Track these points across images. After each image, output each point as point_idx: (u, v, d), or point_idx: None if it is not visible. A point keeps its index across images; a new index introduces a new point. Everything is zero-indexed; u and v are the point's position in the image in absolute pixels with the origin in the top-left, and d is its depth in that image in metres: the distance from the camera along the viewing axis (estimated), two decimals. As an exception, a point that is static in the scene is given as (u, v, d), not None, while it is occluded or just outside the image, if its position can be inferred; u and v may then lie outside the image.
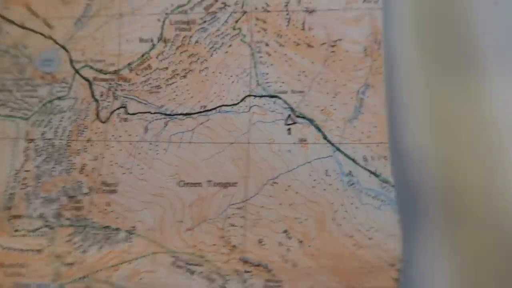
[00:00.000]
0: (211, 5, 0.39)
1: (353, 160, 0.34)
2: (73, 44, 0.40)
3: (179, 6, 0.39)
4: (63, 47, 0.40)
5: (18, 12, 0.41)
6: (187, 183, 0.35)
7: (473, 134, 0.35)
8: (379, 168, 0.34)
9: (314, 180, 0.34)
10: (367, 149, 0.34)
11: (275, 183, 0.34)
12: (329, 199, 0.33)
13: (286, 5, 0.38)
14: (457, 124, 0.35)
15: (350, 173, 0.34)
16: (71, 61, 0.40)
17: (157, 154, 0.36)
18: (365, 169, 0.34)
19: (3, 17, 0.41)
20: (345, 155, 0.35)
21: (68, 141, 0.37)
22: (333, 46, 0.37)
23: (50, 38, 0.41)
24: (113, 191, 0.35)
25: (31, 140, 0.38)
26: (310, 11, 0.38)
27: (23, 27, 0.41)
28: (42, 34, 0.41)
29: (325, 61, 0.37)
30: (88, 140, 0.37)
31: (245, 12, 0.38)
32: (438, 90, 0.36)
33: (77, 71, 0.40)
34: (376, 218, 0.32)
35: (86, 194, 0.36)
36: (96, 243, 0.35)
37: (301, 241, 0.33)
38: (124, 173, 0.36)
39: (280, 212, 0.33)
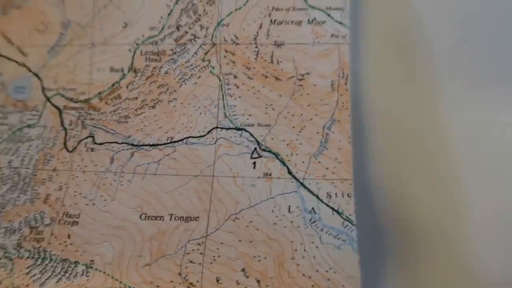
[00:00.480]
0: (181, 36, 0.35)
1: (317, 197, 0.30)
2: (46, 72, 0.36)
3: (150, 37, 0.35)
4: (36, 75, 0.36)
5: None
6: (149, 216, 0.31)
7: (438, 171, 0.30)
8: (342, 206, 0.29)
9: (276, 216, 0.29)
10: (331, 185, 0.30)
11: (237, 218, 0.30)
12: (289, 237, 0.29)
13: (255, 38, 0.34)
14: (423, 163, 0.30)
15: (312, 210, 0.29)
16: (43, 88, 0.36)
17: (121, 185, 0.32)
18: (328, 206, 0.29)
19: None
20: (309, 191, 0.30)
21: (34, 170, 0.33)
22: (301, 79, 0.33)
23: (24, 65, 0.36)
24: (75, 223, 0.31)
25: None
26: (279, 45, 0.34)
27: None
28: (16, 62, 0.36)
29: (292, 94, 0.33)
30: (54, 170, 0.33)
31: (214, 44, 0.34)
32: (405, 126, 0.31)
33: (48, 99, 0.35)
34: (336, 258, 0.28)
35: (47, 225, 0.31)
36: (54, 276, 0.31)
37: (258, 280, 0.28)
38: (87, 204, 0.31)
39: (239, 249, 0.29)
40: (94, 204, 0.32)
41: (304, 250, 0.29)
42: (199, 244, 0.30)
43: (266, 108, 0.33)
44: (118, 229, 0.31)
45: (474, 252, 0.29)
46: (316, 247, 0.29)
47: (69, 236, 0.31)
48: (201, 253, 0.30)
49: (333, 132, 0.32)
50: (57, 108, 0.36)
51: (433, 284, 0.29)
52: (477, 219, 0.30)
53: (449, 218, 0.30)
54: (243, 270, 0.29)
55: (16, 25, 0.38)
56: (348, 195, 0.30)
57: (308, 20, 0.34)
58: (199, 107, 0.34)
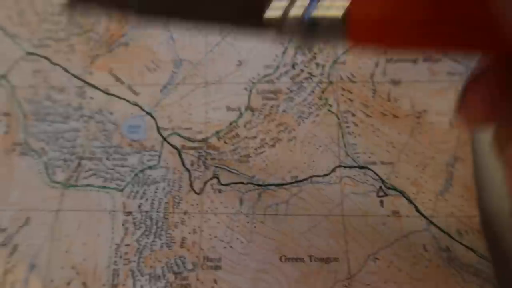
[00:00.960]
0: (297, 75, 0.29)
1: (448, 235, 0.25)
2: (160, 111, 0.30)
3: (265, 76, 0.29)
4: (149, 114, 0.30)
5: (102, 78, 0.30)
6: (289, 258, 0.26)
7: None
8: (475, 243, 0.25)
9: (414, 256, 0.25)
10: (460, 222, 0.26)
11: (376, 258, 0.25)
12: (433, 277, 0.25)
13: (372, 76, 0.28)
14: None
15: (447, 249, 0.25)
16: (158, 128, 0.29)
17: (255, 227, 0.27)
18: (462, 244, 0.25)
19: (86, 82, 0.30)
20: (440, 228, 0.26)
21: (165, 214, 0.27)
22: (418, 117, 0.28)
23: (136, 104, 0.30)
24: (218, 267, 0.26)
25: (129, 213, 0.28)
26: (396, 83, 0.28)
27: (107, 93, 0.30)
28: (127, 100, 0.30)
29: (411, 132, 0.27)
30: (185, 213, 0.27)
31: (331, 83, 0.28)
32: None
33: (165, 139, 0.29)
34: None
35: (191, 270, 0.26)
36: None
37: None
38: (225, 248, 0.27)
39: None
40: (231, 247, 0.27)
41: None
42: (345, 286, 0.26)
43: (387, 146, 0.28)
44: (261, 272, 0.27)
45: None
46: (461, 287, 0.25)
47: (215, 281, 0.27)
48: None
49: (456, 169, 0.27)
50: (175, 148, 0.30)
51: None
52: None
53: None
54: (393, 312, 0.25)
55: (124, 63, 0.31)
56: (478, 232, 0.26)
57: (424, 58, 0.29)
58: (320, 146, 0.29)
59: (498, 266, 0.25)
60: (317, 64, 0.29)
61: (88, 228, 0.28)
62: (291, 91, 0.29)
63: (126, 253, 0.27)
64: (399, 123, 0.28)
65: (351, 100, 0.29)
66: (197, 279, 0.26)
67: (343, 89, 0.29)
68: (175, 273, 0.27)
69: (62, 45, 0.31)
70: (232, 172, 0.28)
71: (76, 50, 0.31)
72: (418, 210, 0.27)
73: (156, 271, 0.27)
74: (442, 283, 0.25)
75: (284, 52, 0.29)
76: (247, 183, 0.28)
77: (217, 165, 0.29)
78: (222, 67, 0.30)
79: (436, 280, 0.25)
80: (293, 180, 0.28)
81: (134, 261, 0.27)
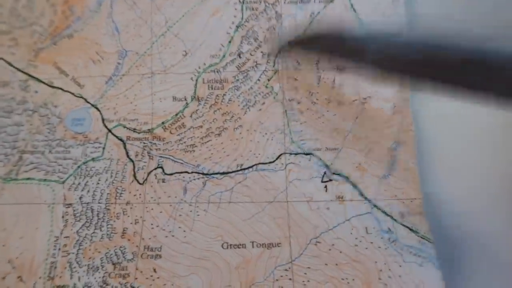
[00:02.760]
0: (243, 63, 0.34)
1: (391, 217, 0.30)
2: (105, 102, 0.34)
3: (211, 65, 0.34)
4: (94, 106, 0.34)
5: (46, 70, 0.35)
6: (231, 245, 0.30)
7: (507, 181, 0.31)
8: (416, 224, 0.29)
9: (356, 238, 0.29)
10: (403, 205, 0.30)
11: (318, 242, 0.30)
12: (372, 258, 0.29)
13: (317, 64, 0.33)
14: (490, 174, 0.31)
15: (389, 230, 0.29)
16: (103, 120, 0.34)
17: (198, 215, 0.31)
18: (404, 225, 0.29)
19: (30, 76, 0.35)
20: (383, 211, 0.30)
21: (107, 205, 0.31)
22: (363, 103, 0.33)
23: (81, 96, 0.34)
24: (158, 256, 0.30)
25: (69, 205, 0.32)
26: (340, 69, 0.33)
27: (52, 86, 0.34)
28: (71, 93, 0.34)
29: (356, 118, 0.32)
30: (128, 203, 0.31)
31: (276, 71, 0.33)
32: (470, 140, 0.32)
33: (110, 130, 0.33)
34: (420, 276, 0.28)
35: (130, 260, 0.30)
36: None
37: (350, 302, 0.28)
38: (166, 237, 0.30)
39: (327, 272, 0.29)
40: (173, 236, 0.31)
41: (389, 270, 0.29)
42: (286, 270, 0.30)
43: (332, 132, 0.33)
44: (202, 260, 0.31)
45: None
46: (400, 266, 0.29)
47: (155, 270, 0.30)
48: (290, 279, 0.30)
49: (399, 153, 0.32)
50: (120, 139, 0.34)
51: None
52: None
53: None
54: (334, 293, 0.29)
55: (68, 55, 0.35)
56: (420, 214, 0.31)
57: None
58: (265, 133, 0.33)
59: (440, 245, 0.29)
60: (263, 53, 0.34)
61: (26, 222, 0.32)
62: (237, 80, 0.34)
63: (65, 245, 0.31)
64: (343, 109, 0.33)
65: (296, 87, 0.34)
66: (136, 269, 0.30)
67: (289, 77, 0.34)
68: (114, 263, 0.30)
69: (4, 38, 0.36)
70: (177, 161, 0.33)
71: (19, 44, 0.35)
72: (362, 194, 0.31)
73: (94, 262, 0.31)
74: (382, 264, 0.29)
75: (230, 41, 0.34)
76: (192, 172, 0.33)
77: (162, 155, 0.33)
78: (167, 57, 0.34)
79: (376, 261, 0.29)
80: (238, 168, 0.32)
81: (73, 253, 0.31)
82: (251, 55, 0.33)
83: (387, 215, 0.30)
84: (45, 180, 0.32)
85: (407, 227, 0.29)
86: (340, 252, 0.29)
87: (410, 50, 0.24)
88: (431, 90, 0.21)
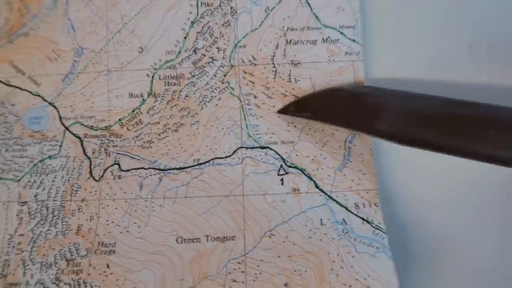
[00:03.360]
0: (199, 59, 0.35)
1: (346, 208, 0.31)
2: (62, 100, 0.36)
3: (167, 61, 0.35)
4: (52, 104, 0.35)
5: (3, 69, 0.36)
6: (186, 239, 0.31)
7: (462, 175, 0.32)
8: (371, 215, 0.31)
9: (310, 230, 0.31)
10: (358, 196, 0.32)
11: (272, 235, 0.31)
12: (326, 249, 0.30)
13: (272, 58, 0.35)
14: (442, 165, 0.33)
15: (343, 221, 0.31)
16: (61, 118, 0.35)
17: (153, 210, 0.32)
18: (358, 216, 0.31)
19: None
20: (338, 203, 0.32)
21: (62, 202, 0.33)
22: None
23: (38, 95, 0.36)
24: (112, 252, 0.31)
25: (24, 203, 0.33)
26: (296, 64, 0.35)
27: (9, 85, 0.36)
28: (29, 91, 0.36)
29: None
30: (83, 200, 0.33)
31: (232, 66, 0.35)
32: None
33: (67, 128, 0.35)
34: (372, 266, 0.30)
35: (84, 256, 0.31)
36: (97, 308, 0.30)
37: (302, 293, 0.29)
38: (121, 232, 0.32)
39: (280, 264, 0.30)
40: (128, 231, 0.33)
41: (342, 260, 0.31)
42: (239, 263, 0.31)
43: (288, 125, 0.35)
44: (156, 254, 0.32)
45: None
46: (353, 256, 0.31)
47: (108, 266, 0.32)
48: (242, 272, 0.31)
49: (354, 145, 0.34)
50: (78, 137, 0.35)
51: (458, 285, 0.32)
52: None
53: (473, 222, 0.32)
54: (285, 285, 0.31)
55: (25, 54, 0.37)
56: (375, 205, 0.32)
57: (323, 39, 0.36)
58: (222, 128, 0.35)
59: (394, 237, 0.31)
60: (218, 48, 0.36)
61: None
62: (193, 76, 0.35)
63: (19, 243, 0.32)
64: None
65: (252, 82, 0.35)
66: (90, 265, 0.32)
67: (245, 72, 0.35)
68: (67, 260, 0.32)
69: None
70: (134, 158, 0.34)
71: None
72: (317, 186, 0.33)
73: (48, 259, 0.32)
74: (335, 255, 0.31)
75: (185, 37, 0.36)
76: (148, 168, 0.34)
77: (118, 152, 0.35)
78: (123, 54, 0.36)
79: (329, 252, 0.31)
80: (195, 163, 0.34)
81: (27, 251, 0.32)
82: (206, 51, 0.35)
83: (342, 206, 0.31)
84: (0, 178, 0.33)
85: (361, 218, 0.31)
86: (294, 244, 0.30)
87: (433, 104, 0.25)
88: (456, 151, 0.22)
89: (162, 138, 0.34)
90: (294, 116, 0.33)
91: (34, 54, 0.36)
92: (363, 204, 0.31)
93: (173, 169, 0.33)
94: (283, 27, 0.35)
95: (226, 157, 0.33)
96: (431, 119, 0.23)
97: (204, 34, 0.35)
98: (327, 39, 0.35)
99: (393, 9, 0.35)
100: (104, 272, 0.31)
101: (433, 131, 0.24)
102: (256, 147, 0.33)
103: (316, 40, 0.35)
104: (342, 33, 0.34)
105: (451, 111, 0.23)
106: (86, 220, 0.32)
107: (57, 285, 0.31)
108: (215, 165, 0.33)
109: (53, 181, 0.33)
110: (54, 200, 0.33)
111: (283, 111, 0.34)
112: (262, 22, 0.35)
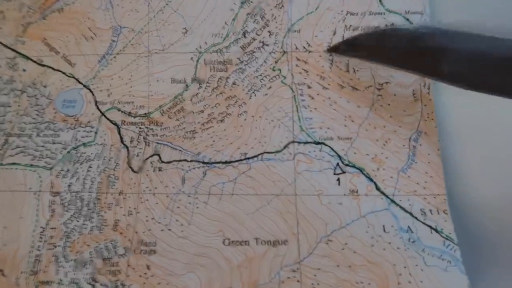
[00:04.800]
0: (249, 44, 0.29)
1: (411, 214, 0.25)
2: (98, 83, 0.29)
3: (213, 45, 0.29)
4: (87, 87, 0.29)
5: (35, 47, 0.30)
6: (233, 241, 0.25)
7: None
8: (440, 223, 0.25)
9: (372, 237, 0.25)
10: (424, 201, 0.25)
11: (329, 241, 0.25)
12: (391, 260, 0.24)
13: (329, 45, 0.28)
14: None
15: (409, 229, 0.25)
16: (96, 102, 0.29)
17: (197, 208, 0.26)
18: (425, 224, 0.25)
19: (18, 53, 0.30)
20: (402, 208, 0.26)
21: (98, 194, 0.27)
22: (379, 89, 0.28)
23: (72, 76, 0.29)
24: (152, 252, 0.25)
25: (57, 193, 0.27)
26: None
27: (41, 64, 0.30)
28: (62, 72, 0.30)
29: (372, 105, 0.27)
30: (120, 193, 0.27)
31: (285, 52, 0.29)
32: (497, 133, 0.27)
33: (103, 114, 0.29)
34: (444, 282, 0.24)
35: (122, 255, 0.25)
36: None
37: (364, 309, 0.24)
38: (162, 230, 0.26)
39: (339, 275, 0.24)
40: (170, 229, 0.27)
41: (410, 274, 0.25)
42: (293, 271, 0.25)
43: (345, 120, 0.28)
44: (201, 256, 0.26)
45: None
46: (422, 270, 0.25)
47: (148, 267, 0.26)
48: (298, 281, 0.25)
49: (420, 144, 0.27)
50: (114, 123, 0.29)
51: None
52: None
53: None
54: (346, 299, 0.25)
55: (59, 31, 0.31)
56: (444, 212, 0.26)
57: (386, 25, 0.29)
58: (272, 120, 0.29)
59: (465, 248, 0.25)
60: (270, 32, 0.29)
61: (10, 211, 0.27)
62: (242, 62, 0.29)
63: (51, 237, 0.27)
64: (358, 95, 0.28)
65: (306, 71, 0.29)
66: (128, 265, 0.26)
67: (298, 59, 0.29)
68: (104, 259, 0.26)
69: None
70: (176, 149, 0.28)
71: (6, 17, 0.31)
72: (378, 188, 0.26)
73: (83, 256, 0.26)
74: (401, 267, 0.25)
75: (234, 19, 0.29)
76: (191, 161, 0.28)
77: (159, 141, 0.28)
78: (166, 35, 0.30)
79: (394, 263, 0.25)
80: (242, 157, 0.28)
81: (60, 246, 0.26)
82: (257, 34, 0.29)
83: (407, 212, 0.25)
84: (31, 165, 0.28)
85: (429, 226, 0.25)
86: (354, 252, 0.25)
87: (500, 46, 0.21)
88: None
89: (207, 129, 0.28)
90: (344, 56, 0.27)
91: (69, 32, 0.30)
92: (430, 210, 0.25)
93: (218, 162, 0.27)
94: (342, 11, 0.28)
95: (277, 152, 0.27)
96: (498, 61, 0.21)
97: (254, 16, 0.29)
98: (390, 25, 0.28)
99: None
100: (145, 274, 0.25)
101: (500, 73, 0.21)
102: (310, 142, 0.27)
103: (379, 27, 0.28)
104: (407, 20, 0.28)
105: None
106: (124, 215, 0.26)
107: (93, 286, 0.25)
108: (264, 160, 0.27)
109: (88, 170, 0.27)
110: (89, 192, 0.27)
111: (333, 49, 0.29)
112: (319, 4, 0.29)
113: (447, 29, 0.24)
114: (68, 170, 0.28)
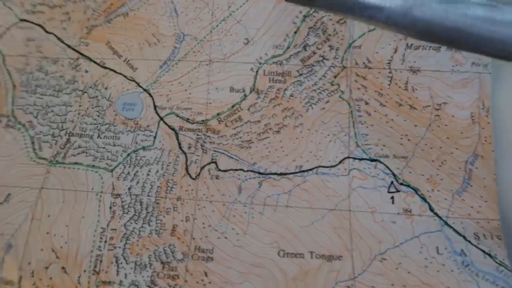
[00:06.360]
0: (309, 57, 0.27)
1: (464, 237, 0.24)
2: (158, 88, 0.28)
3: (274, 56, 0.27)
4: (147, 91, 0.28)
5: (99, 50, 0.29)
6: (288, 253, 0.24)
7: None
8: (494, 249, 0.23)
9: (426, 258, 0.23)
10: (477, 225, 0.24)
11: (383, 259, 0.23)
12: (445, 283, 0.23)
13: (389, 63, 0.27)
14: None
15: (462, 252, 0.23)
16: (155, 107, 0.28)
17: (253, 217, 0.25)
18: (478, 248, 0.23)
19: (81, 54, 0.29)
20: (455, 231, 0.24)
21: (157, 198, 0.26)
22: (437, 109, 0.26)
23: (133, 80, 0.28)
24: (209, 259, 0.24)
25: (118, 195, 0.26)
26: (415, 71, 0.26)
27: (103, 66, 0.28)
28: (124, 76, 0.28)
29: (429, 125, 0.26)
30: (178, 198, 0.26)
31: (344, 67, 0.27)
32: None
33: (161, 118, 0.27)
34: None
35: (180, 260, 0.24)
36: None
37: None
38: (219, 238, 0.25)
39: None
40: (226, 237, 0.26)
41: None
42: (348, 287, 0.24)
43: (401, 138, 0.26)
44: (256, 266, 0.25)
45: None
46: None
47: (206, 274, 0.25)
48: None
49: (476, 167, 0.26)
50: (173, 129, 0.28)
51: None
52: None
53: None
54: (400, 319, 0.23)
55: (122, 35, 0.29)
56: (497, 237, 0.24)
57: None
58: (328, 134, 0.27)
59: None
60: (331, 47, 0.27)
61: (72, 209, 0.26)
62: (301, 74, 0.27)
63: (111, 238, 0.26)
64: (416, 114, 0.26)
65: (365, 87, 0.27)
66: (187, 270, 0.25)
67: (357, 75, 0.27)
68: (163, 263, 0.25)
69: (57, 12, 0.29)
70: (232, 157, 0.27)
71: (72, 19, 0.29)
72: (432, 210, 0.25)
73: (142, 259, 0.25)
74: None
75: (295, 32, 0.27)
76: (247, 171, 0.26)
77: (216, 149, 0.27)
78: (228, 45, 0.28)
79: (449, 286, 0.23)
80: (297, 170, 0.26)
81: (120, 247, 0.25)
82: (317, 48, 0.27)
83: (460, 235, 0.24)
84: (93, 166, 0.27)
85: (482, 250, 0.23)
86: (408, 272, 0.23)
87: None
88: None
89: (263, 139, 0.26)
90: (299, 3, 0.23)
91: (133, 37, 0.28)
92: (484, 235, 0.23)
93: (273, 174, 0.26)
94: None
95: (332, 166, 0.26)
96: None
97: (316, 30, 0.27)
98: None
99: None
100: (202, 280, 0.24)
101: None
102: (365, 159, 0.25)
103: (440, 47, 0.26)
104: None
105: None
106: (182, 220, 0.25)
107: None
108: (319, 174, 0.25)
109: (148, 174, 0.26)
110: (148, 196, 0.26)
111: None
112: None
113: None
114: (128, 173, 0.27)
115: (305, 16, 0.27)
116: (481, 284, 0.23)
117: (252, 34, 0.28)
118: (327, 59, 0.27)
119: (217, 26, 0.28)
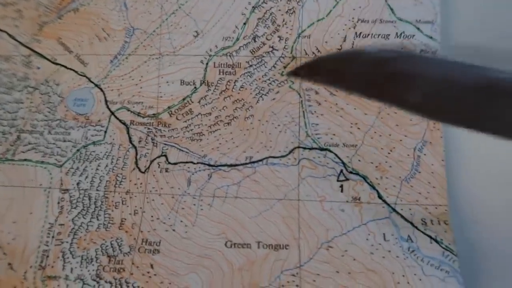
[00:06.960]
0: (258, 48, 0.28)
1: (411, 224, 0.25)
2: (109, 83, 0.29)
3: (223, 48, 0.29)
4: (98, 86, 0.29)
5: (50, 46, 0.30)
6: (235, 244, 0.25)
7: None
8: (440, 234, 0.24)
9: (372, 245, 0.24)
10: (425, 211, 0.25)
11: (330, 247, 0.25)
12: (390, 268, 0.24)
13: (339, 51, 0.28)
14: None
15: (409, 238, 0.24)
16: (107, 101, 0.29)
17: (201, 209, 0.26)
18: (425, 234, 0.24)
19: (33, 51, 0.30)
20: (403, 217, 0.25)
21: (106, 193, 0.27)
22: None
23: (84, 75, 0.29)
24: (156, 251, 0.25)
25: (66, 191, 0.27)
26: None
27: (55, 63, 0.30)
28: (75, 71, 0.30)
29: (379, 113, 0.27)
30: (127, 192, 0.27)
31: (294, 57, 0.28)
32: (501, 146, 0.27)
33: (113, 113, 0.29)
34: None
35: (127, 253, 0.25)
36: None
37: (362, 316, 0.23)
38: (166, 231, 0.26)
39: (338, 281, 0.24)
40: (174, 230, 0.27)
41: (408, 283, 0.25)
42: (293, 275, 0.25)
43: (351, 127, 0.28)
44: (203, 258, 0.26)
45: None
46: (420, 279, 0.24)
47: (152, 266, 0.26)
48: (297, 286, 0.25)
49: (425, 154, 0.27)
50: (124, 123, 0.29)
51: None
52: None
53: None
54: (345, 305, 0.25)
55: (73, 31, 0.31)
56: (444, 222, 0.26)
57: (396, 33, 0.28)
58: (279, 125, 0.28)
59: (464, 260, 0.24)
60: (280, 37, 0.29)
61: (20, 206, 0.28)
62: (251, 66, 0.29)
63: (59, 233, 0.27)
64: (365, 103, 0.28)
65: None
66: (133, 263, 0.26)
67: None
68: (109, 256, 0.26)
69: (9, 9, 0.31)
70: (182, 150, 0.28)
71: (24, 16, 0.31)
72: (380, 197, 0.26)
73: (89, 253, 0.26)
74: (400, 275, 0.24)
75: (245, 23, 0.29)
76: (197, 163, 0.28)
77: (166, 142, 0.28)
78: (177, 38, 0.29)
79: (393, 272, 0.24)
80: (248, 161, 0.27)
81: (67, 242, 0.27)
82: (267, 39, 0.28)
83: (408, 221, 0.25)
84: (42, 162, 0.28)
85: (429, 236, 0.24)
86: (354, 259, 0.24)
87: (471, 74, 0.19)
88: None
89: (213, 131, 0.28)
90: (306, 81, 0.26)
91: (83, 32, 0.30)
92: (431, 221, 0.25)
93: (223, 165, 0.27)
94: (353, 18, 0.28)
95: (282, 156, 0.27)
96: (466, 91, 0.18)
97: (265, 21, 0.28)
98: (401, 34, 0.28)
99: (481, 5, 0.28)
100: (148, 272, 0.25)
101: (468, 105, 0.18)
102: (315, 148, 0.27)
103: (389, 35, 0.28)
104: (418, 28, 0.27)
105: (489, 82, 0.17)
106: (130, 214, 0.26)
107: (98, 282, 0.25)
108: (269, 164, 0.27)
109: (97, 169, 0.27)
110: (97, 190, 0.27)
111: (294, 73, 0.29)
112: (330, 11, 0.28)
113: (413, 53, 0.23)
114: (77, 168, 0.28)
115: (254, 7, 0.29)
116: (426, 269, 0.24)
117: (202, 26, 0.29)
118: (277, 50, 0.29)
119: (166, 19, 0.30)
